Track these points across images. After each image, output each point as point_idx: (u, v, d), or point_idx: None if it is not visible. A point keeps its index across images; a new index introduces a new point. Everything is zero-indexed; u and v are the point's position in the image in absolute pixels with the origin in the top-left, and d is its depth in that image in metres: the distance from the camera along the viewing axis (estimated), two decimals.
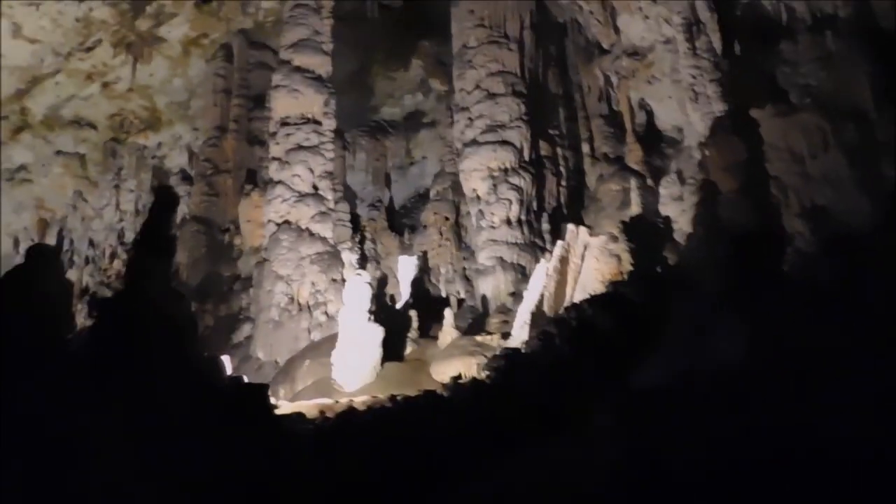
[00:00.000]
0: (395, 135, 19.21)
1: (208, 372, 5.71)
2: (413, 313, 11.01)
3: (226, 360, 8.01)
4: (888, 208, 6.38)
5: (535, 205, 12.39)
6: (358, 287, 9.86)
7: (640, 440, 4.71)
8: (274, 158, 12.44)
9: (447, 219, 14.89)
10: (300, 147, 12.27)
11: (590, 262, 8.83)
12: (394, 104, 19.25)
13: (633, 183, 10.87)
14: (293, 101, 12.54)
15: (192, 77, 16.93)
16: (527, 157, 12.39)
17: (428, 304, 12.51)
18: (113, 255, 16.06)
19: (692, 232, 7.87)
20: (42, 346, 4.22)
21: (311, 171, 12.18)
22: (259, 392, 6.07)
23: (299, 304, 11.36)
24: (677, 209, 9.02)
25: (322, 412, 6.82)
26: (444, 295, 13.38)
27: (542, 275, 9.16)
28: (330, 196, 12.36)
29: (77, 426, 4.55)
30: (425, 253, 13.69)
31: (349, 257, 12.03)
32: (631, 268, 8.33)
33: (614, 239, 8.65)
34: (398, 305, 12.36)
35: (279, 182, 12.10)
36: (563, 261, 8.95)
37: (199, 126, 17.61)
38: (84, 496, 4.44)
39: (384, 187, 18.83)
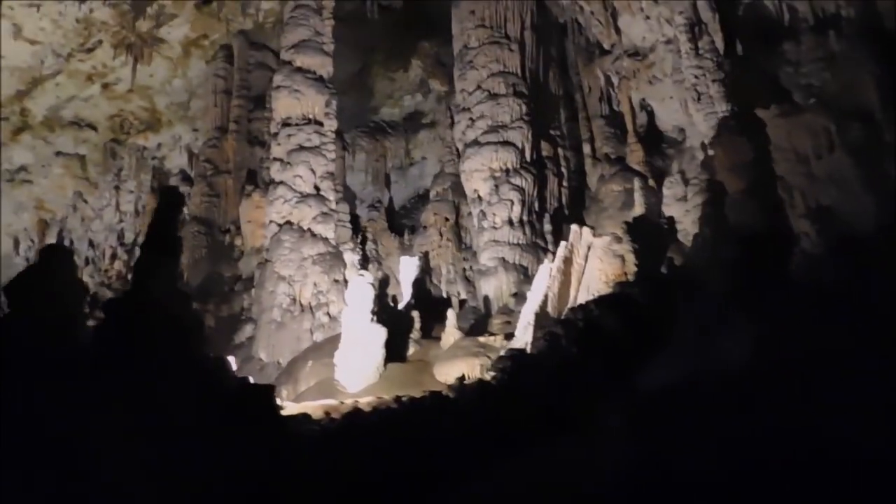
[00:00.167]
0: (394, 135, 19.20)
1: (216, 373, 5.68)
2: (415, 314, 11.00)
3: (231, 360, 7.99)
4: (894, 209, 6.38)
5: (536, 205, 12.38)
6: (361, 288, 9.84)
7: (648, 442, 4.70)
8: (275, 159, 12.43)
9: (447, 219, 14.89)
10: (302, 148, 12.25)
11: (593, 263, 8.82)
12: (393, 105, 19.25)
13: (637, 183, 10.86)
14: (294, 101, 12.53)
15: (192, 78, 16.92)
16: (528, 158, 12.39)
17: (429, 304, 12.51)
18: (113, 256, 16.03)
19: (698, 232, 7.87)
20: (56, 347, 4.20)
21: (313, 171, 12.17)
22: (265, 393, 6.05)
23: (301, 305, 11.34)
24: (681, 209, 9.03)
25: (327, 413, 6.80)
26: (444, 296, 13.38)
27: (545, 275, 9.14)
28: (332, 197, 12.35)
29: (85, 427, 4.54)
30: (426, 253, 13.68)
31: (351, 258, 12.02)
32: (635, 268, 8.32)
33: (618, 239, 8.65)
34: (400, 306, 12.33)
35: (281, 183, 12.09)
36: (567, 261, 8.94)
37: (199, 127, 17.60)
38: (91, 497, 4.42)
39: (384, 188, 18.83)
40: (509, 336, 9.73)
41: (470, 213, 13.14)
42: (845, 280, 6.19)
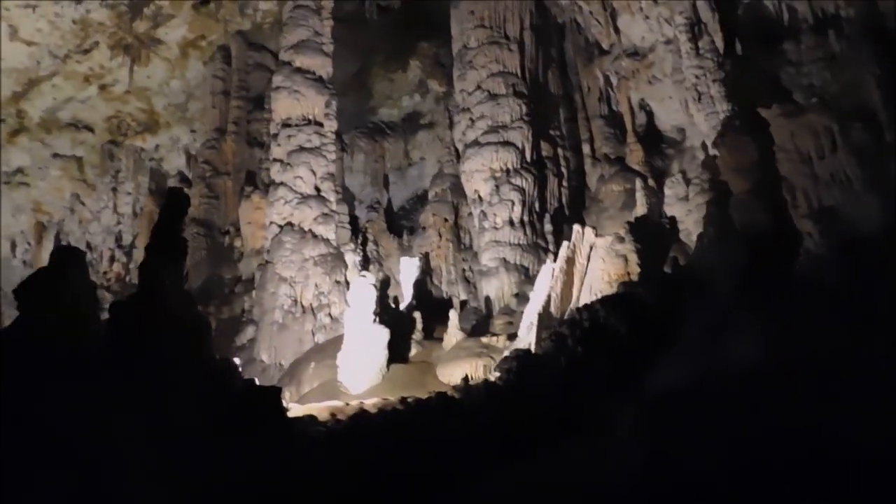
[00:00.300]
0: (393, 136, 19.18)
1: (223, 374, 5.67)
2: (417, 315, 10.99)
3: (236, 362, 7.96)
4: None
5: (537, 206, 12.39)
6: (363, 289, 9.84)
7: (656, 443, 4.70)
8: (276, 160, 12.40)
9: (446, 220, 14.87)
10: (302, 149, 12.22)
11: (596, 263, 8.84)
12: (392, 105, 19.22)
13: (638, 183, 10.88)
14: (294, 102, 12.50)
15: (190, 79, 16.86)
16: (528, 158, 12.40)
17: (429, 305, 12.50)
18: (112, 259, 15.96)
19: (702, 232, 7.88)
20: (66, 349, 4.18)
21: (314, 172, 12.14)
22: (272, 395, 6.04)
23: (303, 307, 11.32)
24: (683, 209, 9.05)
25: (333, 414, 6.79)
26: (445, 296, 13.36)
27: (548, 276, 9.15)
28: (332, 198, 12.33)
29: (95, 428, 4.52)
30: (427, 254, 13.67)
31: (352, 259, 12.00)
32: (638, 268, 8.34)
33: (620, 239, 8.66)
34: (401, 307, 12.31)
35: (281, 184, 12.06)
36: (570, 262, 8.96)
37: (197, 128, 17.55)
38: (101, 497, 4.41)
39: (382, 189, 18.80)
40: (512, 336, 9.74)
41: (469, 214, 13.14)
42: (848, 281, 6.21)
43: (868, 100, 7.23)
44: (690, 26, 10.18)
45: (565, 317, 8.70)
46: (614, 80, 13.41)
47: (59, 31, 14.91)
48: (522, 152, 12.24)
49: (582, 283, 9.04)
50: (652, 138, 13.30)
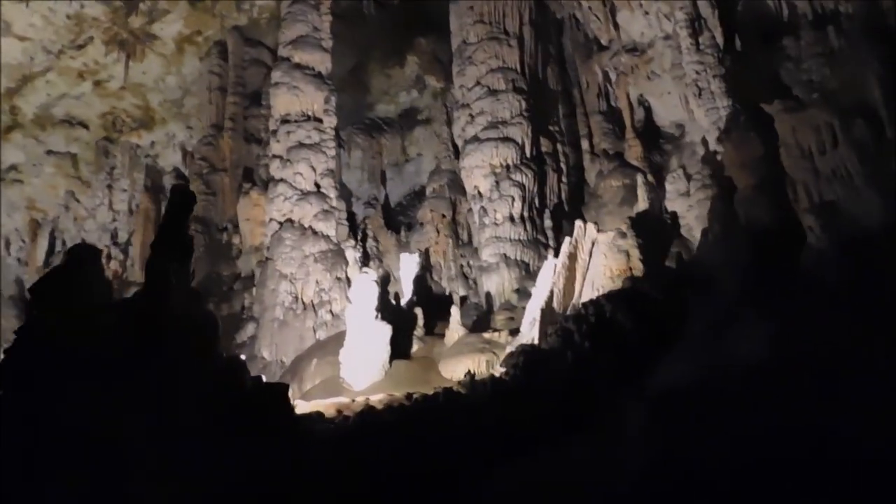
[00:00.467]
0: (390, 132, 19.12)
1: (231, 372, 5.66)
2: (418, 311, 10.99)
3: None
4: None
5: (536, 201, 12.41)
6: (365, 285, 9.83)
7: (664, 441, 4.72)
8: (275, 156, 12.35)
9: (444, 216, 14.87)
10: (301, 145, 12.18)
11: (598, 259, 8.87)
12: (389, 101, 19.15)
13: (639, 179, 10.92)
14: (294, 98, 12.45)
15: (186, 75, 16.74)
16: (528, 154, 12.41)
17: (429, 301, 12.51)
18: (108, 256, 15.85)
19: (706, 228, 7.92)
20: (82, 348, 4.16)
21: (313, 168, 12.10)
22: (279, 392, 6.04)
23: (304, 303, 11.30)
24: (684, 205, 9.09)
25: (340, 411, 6.80)
26: (445, 292, 13.37)
27: (550, 271, 9.18)
28: (332, 194, 12.30)
29: (105, 426, 4.51)
30: (427, 250, 13.67)
31: (353, 255, 11.99)
32: (640, 263, 8.38)
33: (622, 235, 8.70)
34: (402, 303, 12.32)
35: (281, 180, 12.01)
36: (572, 257, 8.98)
37: (192, 124, 17.44)
38: (113, 496, 4.40)
39: (380, 185, 18.76)
40: (514, 332, 9.76)
41: (470, 210, 13.13)
42: (849, 279, 6.25)
43: (869, 96, 7.26)
44: (690, 22, 10.21)
45: (567, 312, 8.74)
46: (613, 76, 13.42)
47: (52, 26, 14.77)
48: (522, 148, 12.25)
49: (584, 279, 9.07)
50: (650, 134, 13.33)
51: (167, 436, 4.88)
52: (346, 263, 11.87)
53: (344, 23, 14.94)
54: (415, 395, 7.08)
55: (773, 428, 4.31)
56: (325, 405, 7.48)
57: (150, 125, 17.60)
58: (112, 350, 4.99)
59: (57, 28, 14.80)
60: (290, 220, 11.79)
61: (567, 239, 9.23)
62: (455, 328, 10.31)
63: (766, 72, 9.60)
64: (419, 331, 10.83)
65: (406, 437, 6.06)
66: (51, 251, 18.43)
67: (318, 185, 12.19)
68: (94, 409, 4.37)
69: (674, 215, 9.40)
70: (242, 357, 7.09)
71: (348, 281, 11.52)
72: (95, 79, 16.14)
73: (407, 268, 13.03)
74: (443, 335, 10.68)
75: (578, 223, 9.33)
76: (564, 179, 13.22)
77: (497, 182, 11.97)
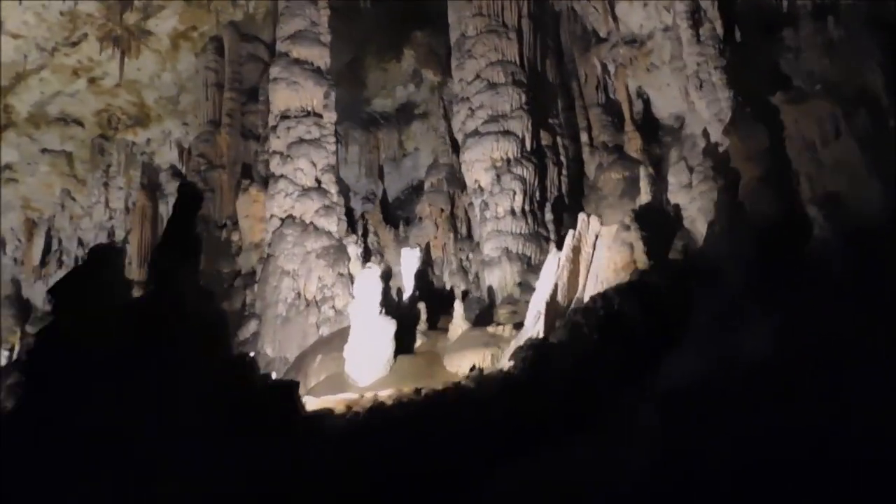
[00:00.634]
0: (387, 127, 19.08)
1: (241, 370, 5.66)
2: (422, 306, 11.00)
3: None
4: None
5: (537, 195, 12.42)
6: (369, 281, 9.83)
7: (676, 436, 4.74)
8: (275, 152, 12.29)
9: (442, 210, 14.87)
10: (302, 140, 12.13)
11: (602, 252, 8.89)
12: (386, 96, 19.10)
13: (643, 171, 10.94)
14: (293, 93, 12.38)
15: (182, 71, 16.64)
16: (529, 147, 12.40)
17: (430, 296, 12.51)
18: None
19: (713, 221, 7.94)
20: (96, 348, 4.15)
21: (314, 164, 12.06)
22: (289, 389, 6.04)
23: (306, 300, 11.29)
24: (686, 197, 9.11)
25: (349, 407, 6.81)
26: (446, 287, 13.37)
27: (554, 265, 9.19)
28: (333, 190, 12.26)
29: (120, 424, 4.51)
30: (428, 245, 13.67)
31: (355, 251, 11.97)
32: (644, 256, 8.40)
33: (626, 227, 8.71)
34: (404, 298, 12.32)
35: (281, 176, 11.97)
36: (576, 250, 9.00)
37: (189, 121, 17.35)
38: (123, 492, 4.40)
39: (378, 180, 18.72)
40: (518, 326, 9.78)
41: (470, 204, 13.13)
42: (853, 268, 6.28)
43: (870, 85, 7.29)
44: (690, 13, 10.21)
45: (572, 305, 8.77)
46: (612, 69, 13.42)
47: (46, 23, 14.64)
48: (522, 142, 12.24)
49: (588, 272, 9.09)
50: (649, 126, 13.35)
51: (179, 435, 4.88)
52: (349, 259, 11.85)
53: (340, 17, 14.86)
54: (423, 391, 7.09)
55: (779, 427, 4.32)
56: (334, 401, 7.49)
57: (145, 122, 17.50)
58: (123, 350, 4.98)
59: (50, 25, 14.67)
60: (291, 217, 11.76)
61: (570, 232, 9.23)
62: (459, 323, 10.32)
63: (766, 63, 9.62)
64: (422, 326, 10.84)
65: (417, 433, 6.08)
66: (47, 250, 18.34)
67: (318, 181, 12.15)
68: (107, 409, 4.36)
69: (676, 207, 9.42)
70: (252, 354, 7.09)
71: (350, 277, 11.52)
72: (90, 76, 16.03)
73: (408, 263, 13.01)
74: (446, 330, 10.68)
75: (582, 216, 9.34)
76: (564, 172, 13.23)
77: (498, 176, 11.96)
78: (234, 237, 14.50)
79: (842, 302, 5.82)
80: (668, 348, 6.28)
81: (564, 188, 13.18)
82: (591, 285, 8.92)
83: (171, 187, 17.33)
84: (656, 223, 9.25)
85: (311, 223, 11.76)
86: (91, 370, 4.07)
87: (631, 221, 8.68)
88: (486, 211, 11.98)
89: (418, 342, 10.58)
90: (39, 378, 3.69)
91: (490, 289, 11.74)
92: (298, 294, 11.27)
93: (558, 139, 13.38)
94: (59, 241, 18.28)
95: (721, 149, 9.02)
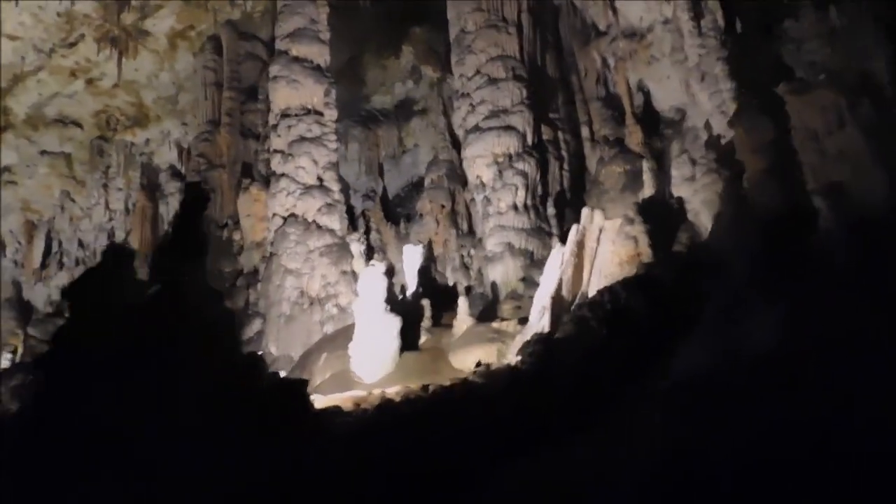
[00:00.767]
0: (386, 124, 19.04)
1: (251, 369, 5.65)
2: (426, 302, 10.99)
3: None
4: None
5: (539, 189, 12.41)
6: (373, 278, 9.82)
7: (682, 431, 4.73)
8: (276, 151, 12.27)
9: (443, 207, 14.85)
10: (303, 139, 12.11)
11: (606, 246, 8.89)
12: (385, 92, 19.06)
13: (646, 165, 10.93)
14: (293, 91, 12.35)
15: (180, 71, 16.60)
16: (530, 142, 12.39)
17: (432, 292, 12.51)
18: None
19: (719, 213, 7.94)
20: (105, 350, 4.14)
21: (315, 162, 12.04)
22: (298, 388, 6.04)
23: (310, 298, 11.28)
24: (690, 190, 9.10)
25: (357, 404, 6.81)
26: (448, 283, 13.36)
27: (558, 260, 9.19)
28: (335, 187, 12.25)
29: (129, 425, 4.50)
30: (430, 242, 13.66)
31: (358, 248, 11.97)
32: (648, 250, 8.41)
33: (630, 221, 8.71)
34: (407, 295, 12.31)
35: (283, 175, 11.95)
36: (580, 245, 9.00)
37: (187, 121, 17.32)
38: (132, 495, 4.40)
39: (378, 177, 18.70)
40: (522, 321, 9.78)
41: (473, 200, 13.11)
42: (857, 258, 6.28)
43: (874, 74, 7.30)
44: (691, 5, 10.19)
45: (577, 300, 8.77)
46: (611, 62, 13.39)
47: (42, 24, 14.59)
48: (524, 136, 12.22)
49: (592, 266, 9.09)
50: (649, 119, 13.32)
51: (189, 435, 4.87)
52: (352, 257, 11.85)
53: (338, 14, 14.82)
54: (431, 387, 7.09)
55: (783, 419, 4.31)
56: (342, 399, 7.49)
57: (144, 123, 17.46)
58: (132, 350, 4.97)
59: (47, 26, 14.62)
60: (293, 215, 11.74)
61: (574, 227, 9.23)
62: (463, 318, 10.31)
63: (768, 54, 9.61)
64: (426, 322, 10.83)
65: (427, 429, 6.08)
66: (47, 252, 18.32)
67: (320, 179, 12.13)
68: (117, 410, 4.35)
69: (679, 200, 9.41)
70: (260, 353, 7.08)
71: (354, 274, 11.51)
72: (88, 77, 15.98)
73: (411, 259, 13.00)
74: (450, 326, 10.67)
75: (585, 210, 9.34)
76: (566, 167, 13.22)
77: (500, 171, 11.95)
78: (236, 236, 14.49)
79: (846, 290, 5.82)
80: (675, 342, 6.29)
81: (566, 183, 13.17)
82: (596, 279, 8.92)
83: (170, 187, 17.32)
84: (659, 216, 9.25)
85: (314, 221, 11.74)
86: (104, 370, 4.07)
87: (635, 215, 8.68)
88: (488, 206, 11.98)
89: (422, 339, 10.57)
90: (57, 379, 3.68)
91: (493, 284, 11.73)
92: (302, 292, 11.27)
93: (559, 134, 13.36)
94: (59, 243, 18.25)
95: (724, 141, 9.01)
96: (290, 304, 11.19)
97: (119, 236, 17.51)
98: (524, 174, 11.97)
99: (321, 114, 12.48)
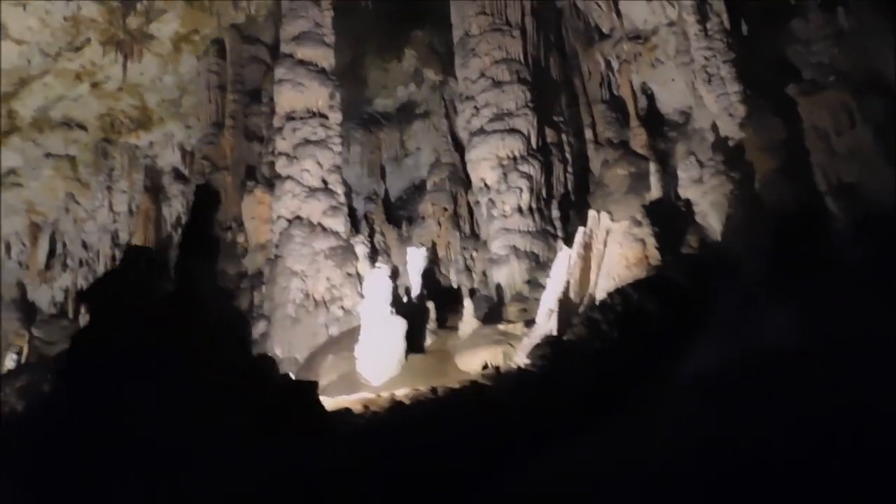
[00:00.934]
0: (388, 126, 19.05)
1: (262, 370, 5.65)
2: (431, 304, 10.98)
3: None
4: None
5: (544, 192, 12.41)
6: (379, 280, 9.82)
7: (694, 430, 4.72)
8: (281, 154, 12.28)
9: (445, 209, 14.85)
10: (308, 141, 12.12)
11: (613, 248, 8.87)
12: (387, 95, 19.07)
13: (652, 167, 10.94)
14: (298, 94, 12.36)
15: (184, 74, 16.63)
16: (534, 145, 12.39)
17: (436, 294, 12.50)
18: (113, 258, 15.79)
19: (729, 214, 7.94)
20: (122, 350, 4.14)
21: (320, 165, 12.05)
22: (309, 389, 6.03)
23: (315, 300, 11.27)
24: (698, 191, 9.11)
25: (366, 407, 6.80)
26: (452, 286, 13.35)
27: (564, 262, 9.17)
28: (339, 190, 12.26)
29: (142, 423, 4.50)
30: (434, 244, 13.66)
31: (363, 251, 11.96)
32: (656, 252, 8.39)
33: (637, 223, 8.70)
34: (412, 297, 12.29)
35: (288, 177, 11.95)
36: (587, 247, 8.99)
37: (191, 124, 17.34)
38: (148, 494, 4.40)
39: (379, 180, 18.70)
40: (528, 323, 9.76)
41: (477, 202, 13.11)
42: (868, 258, 6.28)
43: (883, 74, 7.31)
44: (696, 7, 10.21)
45: (584, 302, 8.76)
46: (615, 65, 13.41)
47: (49, 28, 14.62)
48: (528, 139, 12.23)
49: (599, 269, 9.08)
50: (653, 121, 13.34)
51: (201, 435, 4.86)
52: (356, 259, 11.85)
53: (341, 17, 14.85)
54: (439, 389, 7.08)
55: (795, 417, 4.30)
56: (350, 401, 7.47)
57: (148, 125, 17.48)
58: (145, 351, 4.97)
59: (54, 30, 14.65)
60: (298, 217, 11.75)
61: (581, 229, 9.21)
62: (469, 321, 10.29)
63: (774, 55, 9.63)
64: (432, 324, 10.82)
65: (437, 431, 6.07)
66: (51, 254, 18.34)
67: (325, 182, 12.13)
68: (133, 410, 4.35)
69: (687, 202, 9.41)
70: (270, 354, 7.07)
71: (359, 276, 11.50)
72: (93, 80, 16.01)
73: (415, 262, 13.00)
74: (455, 328, 10.66)
75: (592, 213, 9.32)
76: (570, 169, 13.22)
77: (504, 174, 11.95)
78: (240, 238, 14.48)
79: (857, 290, 5.82)
80: (688, 343, 6.28)
81: (570, 185, 13.17)
82: (603, 282, 8.90)
83: (173, 190, 17.37)
84: (666, 218, 9.24)
85: (319, 224, 11.74)
86: (122, 371, 4.07)
87: (642, 217, 8.67)
88: (492, 209, 11.97)
89: (428, 341, 10.55)
90: (79, 379, 3.68)
91: (498, 287, 11.73)
92: (307, 294, 11.26)
93: (563, 136, 13.37)
94: (64, 245, 18.28)
95: (731, 142, 9.01)
96: (295, 306, 11.18)
97: (123, 238, 17.53)
98: (529, 177, 11.97)
99: (326, 117, 12.49)
